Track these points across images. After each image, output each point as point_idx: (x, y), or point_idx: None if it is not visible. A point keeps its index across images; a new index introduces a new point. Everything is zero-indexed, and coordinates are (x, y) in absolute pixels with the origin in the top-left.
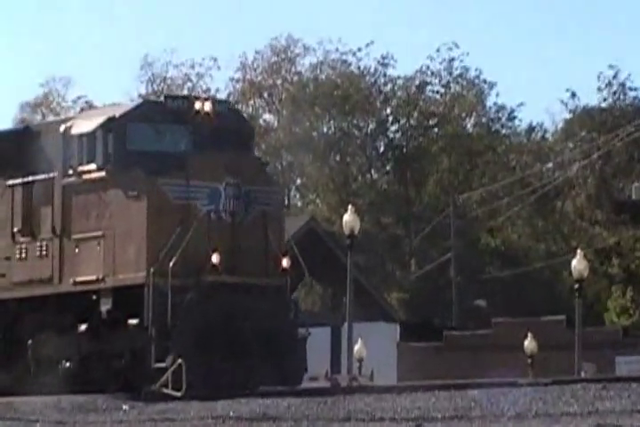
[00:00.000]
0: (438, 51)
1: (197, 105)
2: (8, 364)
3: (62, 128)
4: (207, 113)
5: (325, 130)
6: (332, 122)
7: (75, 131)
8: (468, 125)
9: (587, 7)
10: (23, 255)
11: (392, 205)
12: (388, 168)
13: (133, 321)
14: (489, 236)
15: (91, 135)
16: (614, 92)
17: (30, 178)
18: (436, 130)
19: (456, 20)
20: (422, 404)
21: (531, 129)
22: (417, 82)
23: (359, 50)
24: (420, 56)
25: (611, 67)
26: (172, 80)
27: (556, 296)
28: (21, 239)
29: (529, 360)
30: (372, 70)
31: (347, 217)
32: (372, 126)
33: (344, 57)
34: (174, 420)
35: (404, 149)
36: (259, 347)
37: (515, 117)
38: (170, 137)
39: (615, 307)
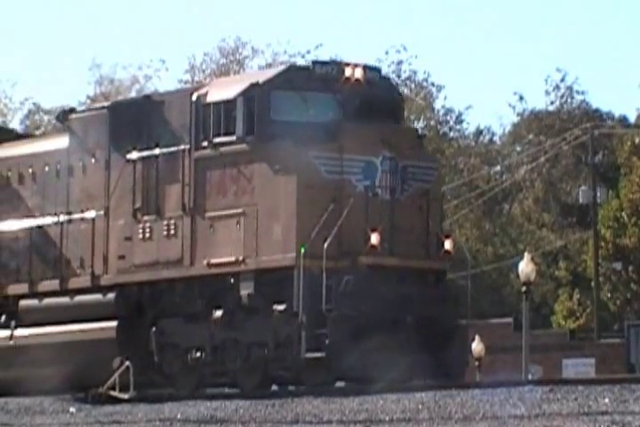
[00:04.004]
0: (387, 53)
1: (347, 71)
2: (129, 354)
3: (195, 96)
4: (358, 80)
5: None
6: None
7: (210, 99)
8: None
9: (535, 10)
10: (147, 235)
11: None
12: None
13: (280, 307)
14: None
15: (230, 103)
16: (562, 96)
17: (154, 151)
18: None
19: (404, 23)
20: (370, 406)
21: (479, 132)
22: None
23: (308, 52)
24: (369, 59)
25: (558, 70)
26: (121, 81)
27: (503, 299)
28: (145, 218)
29: (476, 363)
30: None
31: None
32: None
33: (292, 59)
34: (122, 422)
35: None
36: (418, 336)
37: (463, 120)
38: (318, 106)
39: (562, 310)
